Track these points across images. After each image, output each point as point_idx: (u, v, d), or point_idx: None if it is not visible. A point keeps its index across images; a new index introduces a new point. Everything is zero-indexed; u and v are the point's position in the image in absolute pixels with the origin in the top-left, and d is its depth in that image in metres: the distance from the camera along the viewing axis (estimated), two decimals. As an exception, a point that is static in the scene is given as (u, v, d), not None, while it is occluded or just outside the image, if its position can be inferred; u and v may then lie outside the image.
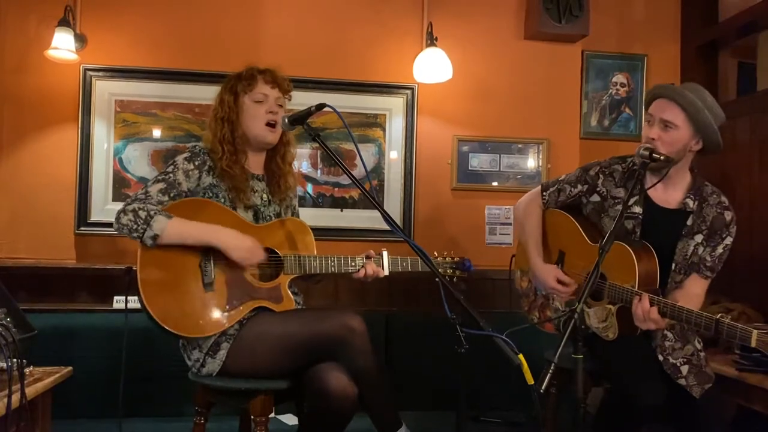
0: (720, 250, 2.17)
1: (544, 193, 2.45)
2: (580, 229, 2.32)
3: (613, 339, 2.11)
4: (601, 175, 2.32)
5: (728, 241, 2.17)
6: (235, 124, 2.17)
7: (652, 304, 1.96)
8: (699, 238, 2.17)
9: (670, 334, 2.17)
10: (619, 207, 2.23)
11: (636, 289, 2.04)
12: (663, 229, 2.18)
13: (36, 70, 3.13)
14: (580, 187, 2.36)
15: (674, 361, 2.13)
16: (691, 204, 2.19)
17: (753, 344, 1.74)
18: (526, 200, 2.52)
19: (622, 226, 2.19)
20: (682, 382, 2.10)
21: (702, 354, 2.18)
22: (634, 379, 2.02)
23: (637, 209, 2.21)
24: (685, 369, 2.11)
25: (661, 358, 2.15)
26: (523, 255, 2.52)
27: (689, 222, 2.18)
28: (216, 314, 2.04)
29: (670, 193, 2.22)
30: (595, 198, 2.33)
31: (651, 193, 2.20)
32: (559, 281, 2.31)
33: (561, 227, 2.42)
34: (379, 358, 2.04)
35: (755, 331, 1.74)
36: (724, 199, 2.21)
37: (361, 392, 1.96)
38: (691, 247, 2.17)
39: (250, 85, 2.19)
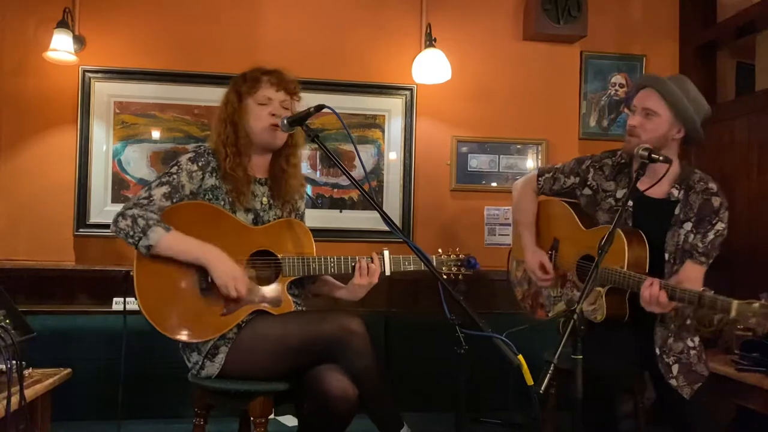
0: (711, 236, 2.15)
1: (540, 179, 2.51)
2: (575, 216, 2.37)
3: (600, 321, 2.12)
4: (591, 169, 2.38)
5: (719, 226, 2.15)
6: (238, 126, 2.12)
7: (660, 288, 1.96)
8: (688, 226, 2.18)
9: (671, 332, 2.17)
10: (611, 200, 2.30)
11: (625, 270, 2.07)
12: (652, 219, 2.20)
13: (35, 71, 3.13)
14: (572, 179, 2.42)
15: (667, 360, 2.13)
16: (676, 193, 2.22)
17: (732, 314, 1.77)
18: (522, 182, 2.59)
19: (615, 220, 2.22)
20: (673, 383, 2.10)
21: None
22: (602, 360, 1.99)
23: (628, 203, 2.23)
24: (675, 368, 2.11)
25: (658, 352, 2.15)
26: (518, 245, 2.55)
27: (677, 211, 2.20)
28: (213, 319, 2.02)
29: (658, 184, 2.21)
30: (587, 191, 2.38)
31: (640, 184, 2.19)
32: (543, 267, 2.37)
33: (556, 214, 2.46)
34: (379, 359, 2.02)
35: (735, 302, 1.77)
36: (712, 185, 2.20)
37: (361, 393, 1.95)
38: (682, 236, 2.18)
39: (253, 88, 2.14)
